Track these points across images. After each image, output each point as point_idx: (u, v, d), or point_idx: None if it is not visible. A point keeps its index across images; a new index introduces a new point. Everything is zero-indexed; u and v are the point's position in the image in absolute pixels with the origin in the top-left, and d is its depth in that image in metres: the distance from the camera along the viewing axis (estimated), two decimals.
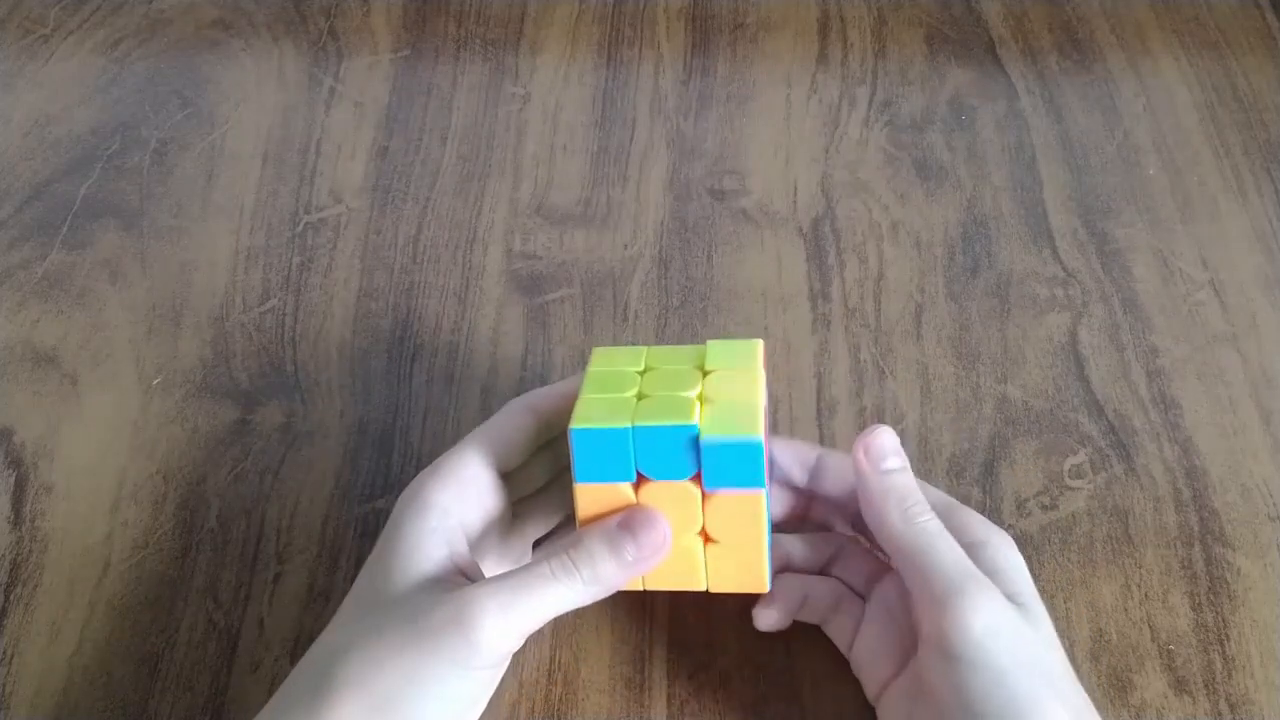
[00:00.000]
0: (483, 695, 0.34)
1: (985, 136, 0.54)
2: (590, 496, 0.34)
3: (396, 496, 0.35)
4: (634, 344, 0.47)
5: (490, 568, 0.36)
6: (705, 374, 0.36)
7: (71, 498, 0.42)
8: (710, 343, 0.37)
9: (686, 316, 0.48)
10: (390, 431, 0.44)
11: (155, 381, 0.46)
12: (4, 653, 0.39)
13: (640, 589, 0.36)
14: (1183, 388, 0.46)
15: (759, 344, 0.37)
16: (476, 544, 0.36)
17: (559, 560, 0.33)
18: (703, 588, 0.36)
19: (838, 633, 0.38)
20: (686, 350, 0.38)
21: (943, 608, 0.32)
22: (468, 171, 0.52)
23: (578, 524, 0.35)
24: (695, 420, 0.33)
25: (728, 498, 0.34)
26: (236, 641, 0.39)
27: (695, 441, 0.33)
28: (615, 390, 0.35)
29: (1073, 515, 0.43)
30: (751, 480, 0.34)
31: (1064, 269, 0.49)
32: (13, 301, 0.48)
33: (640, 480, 0.34)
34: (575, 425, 0.33)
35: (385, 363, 0.46)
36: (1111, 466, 0.44)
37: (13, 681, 0.38)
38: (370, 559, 0.35)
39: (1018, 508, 0.43)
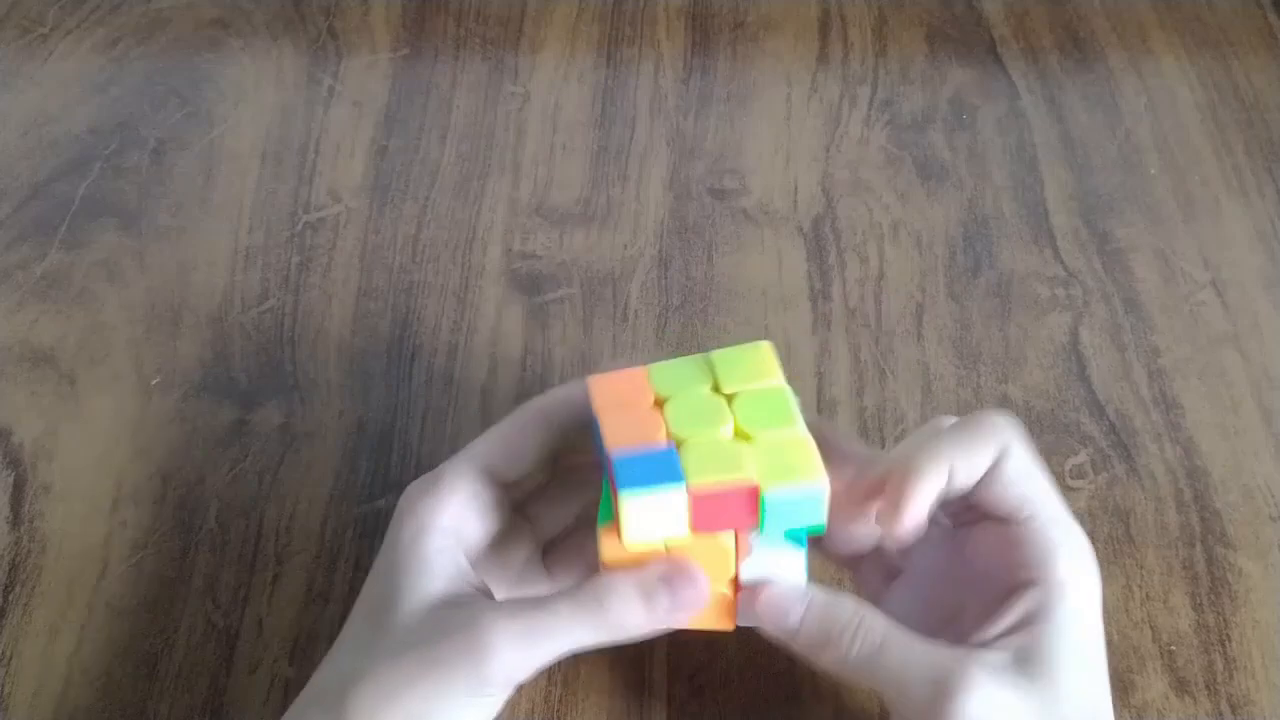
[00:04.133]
0: (490, 718, 0.33)
1: (986, 136, 0.54)
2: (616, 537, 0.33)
3: (396, 497, 0.35)
4: (633, 344, 0.47)
5: (496, 580, 0.35)
6: (727, 397, 0.34)
7: (70, 498, 0.42)
8: (715, 354, 0.35)
9: (686, 316, 0.48)
10: (390, 431, 0.44)
11: (154, 381, 0.45)
12: (3, 653, 0.39)
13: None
14: (1184, 388, 0.46)
15: (768, 347, 0.35)
16: (480, 560, 0.35)
17: (586, 601, 0.32)
18: (730, 629, 0.34)
19: (866, 580, 0.37)
20: (691, 365, 0.35)
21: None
22: (467, 171, 0.52)
23: (601, 557, 0.33)
24: (752, 474, 0.31)
25: (770, 553, 0.33)
26: (235, 642, 0.39)
27: (755, 496, 0.31)
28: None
29: (1074, 516, 0.42)
30: (811, 527, 0.32)
31: (1065, 269, 0.49)
32: (11, 301, 0.48)
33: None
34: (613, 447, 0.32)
35: (385, 363, 0.46)
36: (1113, 467, 0.44)
37: (11, 682, 0.38)
38: (373, 579, 0.34)
39: None
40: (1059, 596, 0.31)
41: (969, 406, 0.45)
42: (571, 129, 0.54)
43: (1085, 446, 0.44)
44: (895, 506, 0.32)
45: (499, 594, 0.35)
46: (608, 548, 0.33)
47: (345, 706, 0.30)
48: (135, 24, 0.57)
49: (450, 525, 0.33)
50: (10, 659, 0.39)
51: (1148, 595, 0.41)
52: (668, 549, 0.33)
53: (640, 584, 0.32)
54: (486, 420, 0.44)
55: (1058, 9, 0.59)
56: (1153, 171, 0.53)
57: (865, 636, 0.32)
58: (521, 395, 0.45)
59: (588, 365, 0.46)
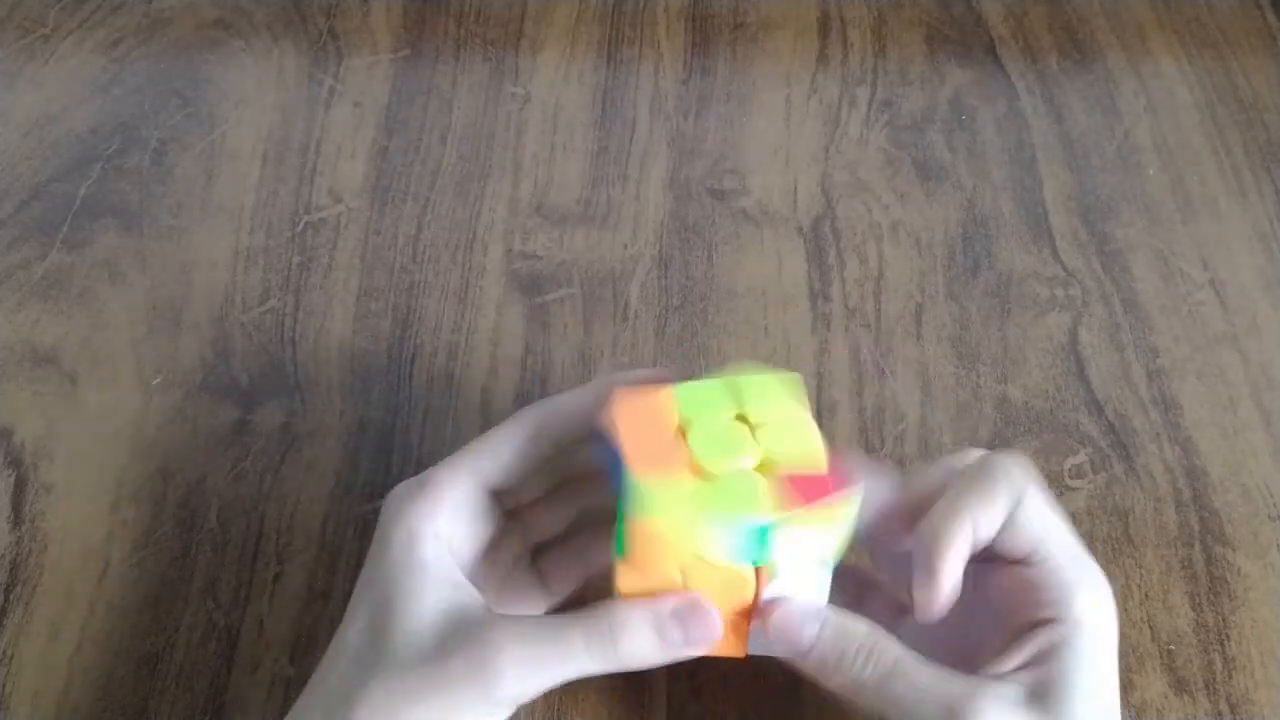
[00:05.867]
0: None
1: (985, 136, 0.54)
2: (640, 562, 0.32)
3: None
4: (633, 344, 0.47)
5: (484, 583, 0.35)
6: (752, 426, 0.33)
7: (71, 498, 0.42)
8: (743, 379, 0.34)
9: (686, 316, 0.48)
10: (390, 431, 0.44)
11: (155, 381, 0.45)
12: (3, 652, 0.39)
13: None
14: (1183, 388, 0.46)
15: (797, 381, 0.35)
16: (471, 568, 0.34)
17: (597, 633, 0.31)
18: (741, 655, 0.34)
19: (875, 613, 0.37)
20: (716, 388, 0.34)
21: None
22: (468, 171, 0.52)
23: (617, 588, 0.33)
24: (771, 512, 0.31)
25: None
26: (236, 641, 0.39)
27: (769, 532, 0.31)
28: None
29: (1073, 515, 0.43)
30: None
31: (1064, 269, 0.49)
32: (12, 301, 0.48)
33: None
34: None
35: (385, 363, 0.46)
36: (1112, 467, 0.44)
37: (12, 681, 0.38)
38: (367, 584, 0.33)
39: None
40: (1077, 633, 0.32)
41: (968, 406, 0.45)
42: (572, 129, 0.54)
43: (1084, 446, 0.44)
44: (930, 578, 0.32)
45: (487, 596, 0.34)
46: (625, 580, 0.32)
47: (351, 714, 0.30)
48: (136, 25, 0.58)
49: (443, 532, 0.33)
50: (11, 658, 0.39)
51: (1147, 595, 0.41)
52: (685, 578, 0.32)
53: (654, 619, 0.31)
54: (487, 421, 0.44)
55: (1057, 10, 0.59)
56: (1151, 172, 0.53)
57: (879, 659, 0.32)
58: (522, 395, 0.45)
59: (588, 365, 0.46)
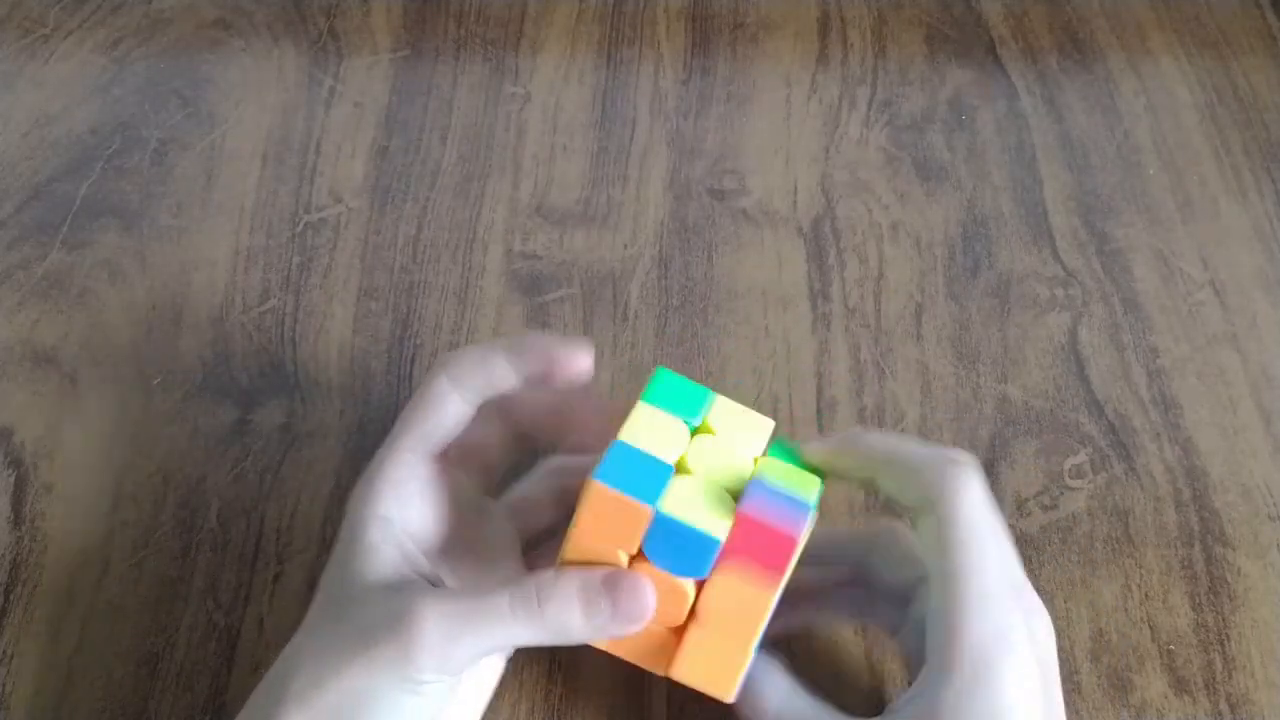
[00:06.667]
0: (436, 715, 0.32)
1: (985, 136, 0.54)
2: (590, 527, 0.31)
3: None
4: (633, 344, 0.47)
5: (468, 569, 0.35)
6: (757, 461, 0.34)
7: (71, 498, 0.42)
8: (779, 441, 0.35)
9: (686, 316, 0.48)
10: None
11: (155, 381, 0.45)
12: (3, 653, 0.39)
13: (600, 648, 0.33)
14: (1183, 388, 0.46)
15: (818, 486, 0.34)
16: (439, 547, 0.34)
17: (523, 595, 0.30)
18: (662, 673, 0.33)
19: (883, 622, 0.37)
20: (753, 421, 0.35)
21: None
22: (468, 171, 0.52)
23: (561, 555, 0.32)
24: (723, 534, 0.31)
25: (733, 584, 0.31)
26: (236, 641, 0.39)
27: (714, 548, 0.31)
28: (665, 432, 0.33)
29: (1073, 515, 0.43)
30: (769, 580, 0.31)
31: (1064, 269, 0.49)
32: (12, 301, 0.48)
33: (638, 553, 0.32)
34: (623, 438, 0.31)
35: (385, 363, 0.46)
36: (1112, 466, 0.44)
37: (12, 681, 0.38)
38: (326, 568, 0.34)
39: (1018, 508, 0.43)
40: (941, 682, 0.31)
41: (968, 406, 0.45)
42: (572, 129, 0.54)
43: (1084, 446, 0.44)
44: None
45: (471, 582, 0.34)
46: (570, 549, 0.32)
47: (286, 686, 0.31)
48: (136, 25, 0.58)
49: (390, 514, 0.33)
50: (11, 658, 0.39)
51: (1146, 595, 0.41)
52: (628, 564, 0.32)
53: (583, 586, 0.31)
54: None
55: (1057, 9, 0.59)
56: (1151, 172, 0.53)
57: None
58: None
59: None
